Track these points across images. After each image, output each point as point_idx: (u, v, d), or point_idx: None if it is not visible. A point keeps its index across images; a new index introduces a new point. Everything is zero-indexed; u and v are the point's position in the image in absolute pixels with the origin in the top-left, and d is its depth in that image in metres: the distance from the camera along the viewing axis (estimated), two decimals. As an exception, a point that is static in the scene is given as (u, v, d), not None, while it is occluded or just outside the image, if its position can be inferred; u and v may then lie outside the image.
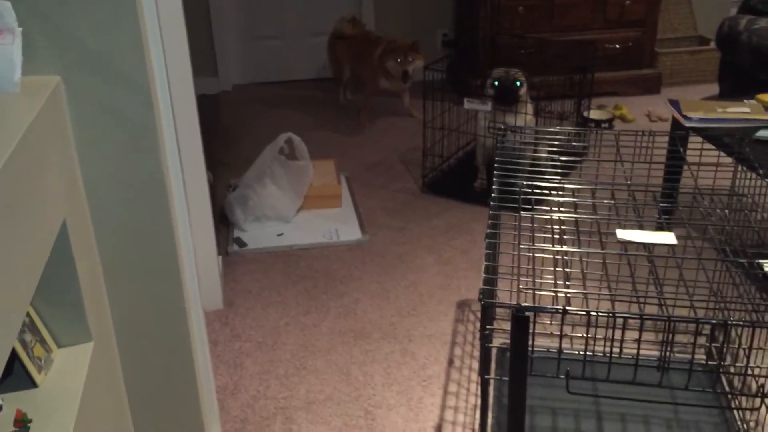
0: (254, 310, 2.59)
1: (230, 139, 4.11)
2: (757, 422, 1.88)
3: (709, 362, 2.05)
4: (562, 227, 1.71)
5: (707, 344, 2.14)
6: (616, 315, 1.36)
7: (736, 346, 1.81)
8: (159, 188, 1.44)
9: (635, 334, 1.52)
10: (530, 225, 1.71)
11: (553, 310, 1.39)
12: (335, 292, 2.69)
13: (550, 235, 1.69)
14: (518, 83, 3.21)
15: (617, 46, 4.52)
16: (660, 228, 1.71)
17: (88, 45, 1.30)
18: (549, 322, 2.31)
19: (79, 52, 1.30)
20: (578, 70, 3.55)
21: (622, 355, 1.45)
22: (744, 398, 1.87)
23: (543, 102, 3.61)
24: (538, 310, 1.40)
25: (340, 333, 2.45)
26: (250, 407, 2.13)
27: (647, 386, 1.45)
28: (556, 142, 2.18)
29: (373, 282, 2.74)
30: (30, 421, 1.17)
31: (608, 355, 1.43)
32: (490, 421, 1.91)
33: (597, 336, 1.64)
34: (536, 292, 1.52)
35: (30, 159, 1.11)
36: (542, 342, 2.19)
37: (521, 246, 1.59)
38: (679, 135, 2.24)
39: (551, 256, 1.60)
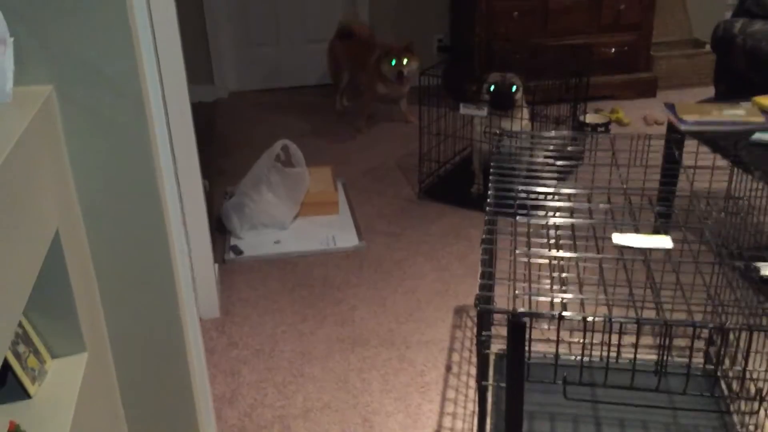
0: (251, 318, 2.58)
1: (226, 147, 4.10)
2: (756, 426, 1.88)
3: (707, 366, 2.04)
4: (559, 232, 1.70)
5: (705, 348, 2.13)
6: (613, 320, 1.36)
7: (734, 349, 1.81)
8: (153, 197, 1.43)
9: (633, 339, 1.51)
10: (526, 230, 1.71)
11: (550, 316, 1.38)
12: (332, 299, 2.68)
13: (547, 240, 1.68)
14: (514, 88, 3.21)
15: (613, 50, 4.52)
16: (656, 232, 1.70)
17: (80, 54, 1.29)
18: (546, 327, 2.30)
19: (72, 61, 1.29)
20: (574, 74, 3.56)
21: (620, 360, 1.44)
22: (742, 402, 1.87)
23: (539, 106, 3.61)
24: (534, 316, 1.39)
25: (337, 340, 2.45)
26: (248, 416, 2.12)
27: (645, 391, 1.44)
28: (552, 147, 2.17)
29: (371, 288, 2.73)
30: (23, 432, 1.16)
31: (605, 360, 1.42)
32: (488, 427, 1.90)
33: (594, 341, 1.63)
34: (533, 298, 1.51)
35: (22, 168, 1.11)
36: (539, 347, 2.19)
37: (517, 251, 1.59)
38: (674, 138, 2.24)
39: (548, 261, 1.60)
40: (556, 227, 1.71)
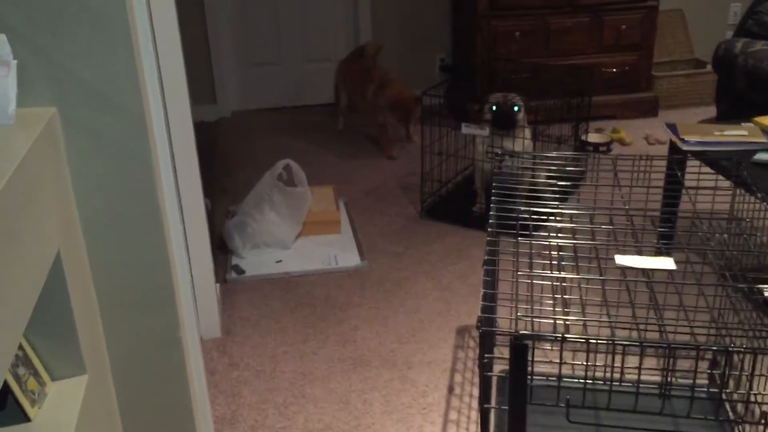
0: (252, 338, 2.57)
1: (229, 166, 4.11)
2: (761, 449, 1.86)
3: (711, 389, 2.03)
4: (561, 253, 1.70)
5: (709, 370, 2.12)
6: (616, 342, 1.35)
7: (738, 372, 1.79)
8: (154, 218, 1.43)
9: (636, 360, 1.51)
10: (528, 251, 1.70)
11: (553, 338, 1.38)
12: (334, 319, 2.67)
13: (549, 261, 1.68)
14: (516, 108, 3.21)
15: (614, 69, 4.54)
16: (659, 253, 1.70)
17: (83, 76, 1.30)
18: (549, 347, 2.29)
19: (74, 83, 1.30)
20: (575, 94, 3.57)
21: (623, 383, 1.43)
22: (747, 426, 1.85)
23: (541, 126, 3.62)
24: (537, 338, 1.38)
25: (339, 360, 2.43)
26: (248, 437, 2.10)
27: (649, 414, 1.43)
28: (553, 167, 2.17)
29: (372, 308, 2.73)
30: (22, 456, 1.15)
31: (609, 382, 1.41)
32: (490, 449, 1.88)
33: (597, 363, 1.62)
34: (535, 319, 1.51)
35: (24, 190, 1.11)
36: (542, 369, 2.17)
37: (519, 272, 1.58)
38: (676, 159, 2.24)
39: (550, 283, 1.59)
40: (559, 248, 1.71)
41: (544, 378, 2.04)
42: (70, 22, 1.26)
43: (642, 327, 1.56)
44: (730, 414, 1.93)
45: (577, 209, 1.89)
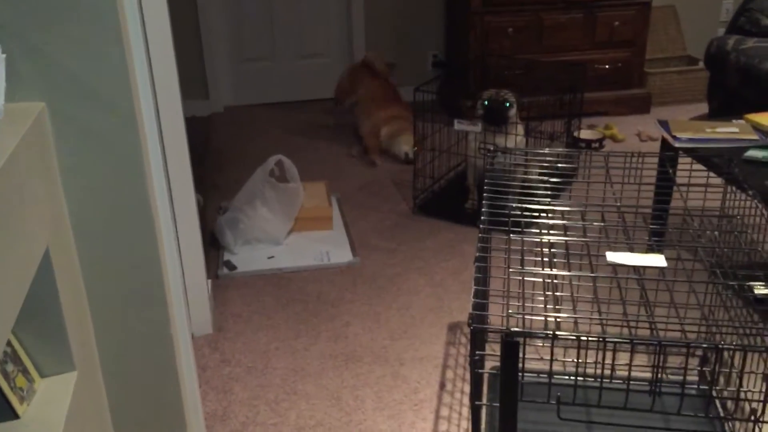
0: (244, 335, 2.56)
1: (221, 162, 4.10)
2: (751, 445, 1.87)
3: (701, 386, 2.03)
4: (552, 250, 1.70)
5: (700, 367, 2.12)
6: (607, 339, 1.35)
7: (729, 369, 1.80)
8: (145, 214, 1.42)
9: (627, 357, 1.51)
10: (520, 248, 1.70)
11: (544, 335, 1.38)
12: (326, 315, 2.67)
13: (540, 258, 1.68)
14: (508, 104, 3.21)
15: (607, 66, 4.54)
16: (650, 250, 1.70)
17: (73, 71, 1.29)
18: (540, 344, 2.29)
19: (64, 77, 1.29)
20: (568, 90, 3.57)
21: (614, 380, 1.43)
22: (737, 423, 1.86)
23: (533, 122, 3.62)
24: (528, 335, 1.39)
25: (331, 357, 2.43)
26: (240, 434, 2.10)
27: (639, 411, 1.43)
28: (545, 164, 2.17)
29: (365, 305, 2.72)
30: (10, 453, 1.15)
31: (599, 379, 1.41)
32: (482, 446, 1.89)
33: (588, 360, 1.63)
34: (526, 317, 1.51)
35: (12, 186, 1.10)
36: (533, 365, 2.18)
37: (511, 269, 1.58)
38: (668, 156, 2.24)
39: (541, 280, 1.59)
40: (550, 245, 1.71)
41: (535, 375, 2.05)
42: (59, 17, 1.25)
43: (633, 324, 1.56)
44: (720, 411, 1.94)
45: (569, 206, 1.89)
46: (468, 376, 2.32)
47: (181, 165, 2.35)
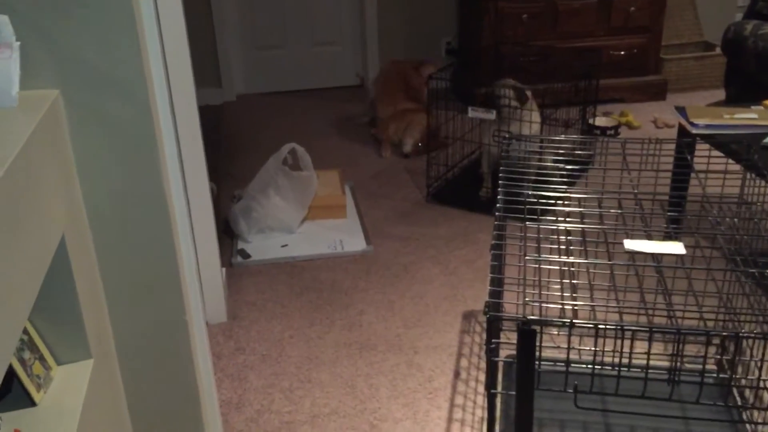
0: (258, 323, 2.57)
1: (234, 150, 4.10)
2: (769, 434, 1.85)
3: (720, 374, 2.01)
4: (569, 237, 1.68)
5: (718, 356, 2.11)
6: (625, 327, 1.34)
7: (748, 358, 1.78)
8: (159, 201, 1.42)
9: (644, 345, 1.49)
10: (536, 235, 1.69)
11: (561, 323, 1.36)
12: (340, 303, 2.66)
13: (557, 246, 1.66)
14: (503, 91, 3.18)
15: (622, 52, 4.50)
16: (668, 237, 1.68)
17: (87, 58, 1.28)
18: (556, 332, 2.28)
19: (78, 65, 1.28)
20: (583, 77, 3.53)
21: (632, 368, 1.42)
22: (756, 412, 1.84)
23: (548, 109, 3.59)
24: (545, 324, 1.37)
25: (345, 345, 2.43)
26: (254, 422, 2.10)
27: (657, 399, 1.42)
28: (561, 151, 2.15)
29: (378, 293, 2.72)
30: (28, 440, 1.15)
31: (617, 368, 1.40)
32: (497, 434, 1.88)
33: (605, 348, 1.61)
34: (543, 304, 1.49)
35: (28, 173, 1.10)
36: (549, 354, 2.16)
37: (527, 257, 1.57)
38: (686, 142, 2.21)
39: (558, 267, 1.58)
40: (567, 232, 1.69)
41: (552, 363, 2.04)
42: (73, 4, 1.25)
43: (650, 312, 1.54)
44: (738, 400, 1.92)
45: (586, 193, 1.87)
46: (482, 364, 2.31)
47: (195, 153, 2.34)
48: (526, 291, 1.50)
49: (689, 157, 2.06)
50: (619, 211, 1.77)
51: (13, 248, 1.02)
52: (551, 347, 2.01)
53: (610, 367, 1.42)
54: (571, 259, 1.57)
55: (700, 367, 1.39)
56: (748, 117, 2.63)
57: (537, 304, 1.51)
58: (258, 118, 4.59)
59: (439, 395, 2.18)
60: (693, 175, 1.97)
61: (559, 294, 1.51)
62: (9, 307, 0.99)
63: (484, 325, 2.50)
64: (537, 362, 1.40)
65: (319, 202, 3.24)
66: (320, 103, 4.79)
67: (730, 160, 2.18)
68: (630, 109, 4.36)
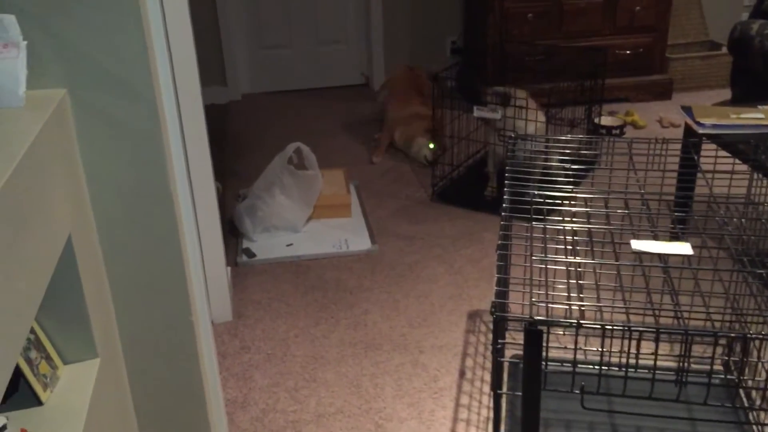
0: (263, 322, 2.57)
1: (239, 149, 4.10)
2: (776, 435, 1.84)
3: (728, 375, 2.01)
4: (575, 237, 1.68)
5: (725, 357, 2.10)
6: (632, 328, 1.33)
7: (757, 359, 1.77)
8: (166, 200, 1.42)
9: (651, 346, 1.49)
10: (542, 235, 1.68)
11: (567, 324, 1.36)
12: (345, 302, 2.66)
13: (563, 246, 1.66)
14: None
15: (628, 51, 4.49)
16: (675, 237, 1.67)
17: (94, 58, 1.28)
18: (562, 332, 2.27)
19: (85, 65, 1.28)
20: (589, 76, 3.53)
21: (638, 369, 1.42)
22: (763, 413, 1.83)
23: (554, 109, 3.58)
24: (551, 324, 1.37)
25: (350, 344, 2.43)
26: (260, 421, 2.10)
27: (664, 401, 1.41)
28: (567, 151, 2.15)
29: (383, 292, 2.72)
30: (35, 440, 1.15)
31: (624, 368, 1.39)
32: (502, 434, 1.88)
33: (612, 349, 1.61)
34: (549, 305, 1.49)
35: (35, 173, 1.10)
36: (555, 354, 2.16)
37: (533, 257, 1.56)
38: (692, 142, 2.21)
39: (564, 268, 1.57)
40: (573, 232, 1.69)
41: (558, 363, 2.03)
42: (80, 3, 1.25)
43: (657, 313, 1.54)
44: (745, 401, 1.92)
45: (591, 193, 1.86)
46: (488, 364, 2.31)
47: (200, 152, 2.34)
48: (533, 291, 1.49)
49: (696, 157, 2.06)
50: (626, 212, 1.77)
51: (20, 248, 1.02)
52: (557, 347, 2.01)
53: (616, 368, 1.41)
54: (578, 260, 1.56)
55: (707, 367, 1.39)
56: (755, 117, 2.62)
57: (543, 304, 1.50)
58: (263, 117, 4.59)
59: (445, 395, 2.18)
60: (700, 175, 1.97)
61: (566, 294, 1.51)
62: (16, 307, 0.99)
63: (490, 324, 2.50)
64: (543, 363, 1.40)
65: (324, 201, 3.24)
66: (325, 103, 4.79)
67: (737, 160, 2.17)
68: (635, 109, 4.35)
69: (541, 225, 1.71)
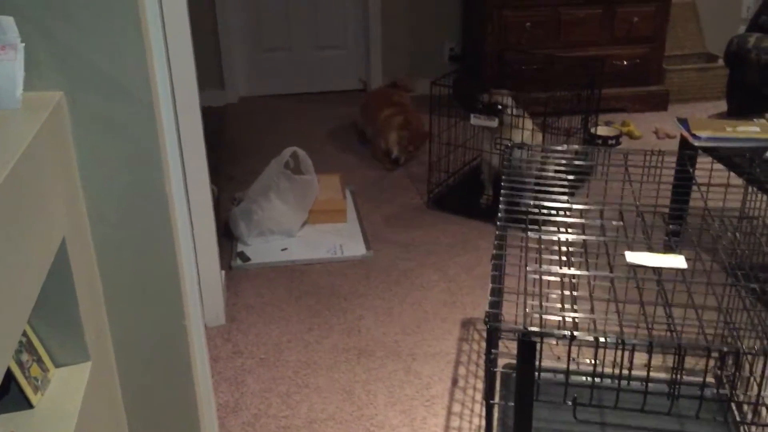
0: (256, 326, 2.56)
1: (235, 152, 4.10)
2: (767, 449, 1.85)
3: (720, 390, 2.01)
4: (570, 248, 1.68)
5: (719, 371, 2.10)
6: (626, 342, 1.33)
7: (749, 373, 1.78)
8: (161, 204, 1.42)
9: (644, 357, 1.49)
10: (537, 245, 1.68)
11: (561, 336, 1.36)
12: (339, 308, 2.66)
13: (557, 257, 1.66)
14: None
15: (625, 62, 4.50)
16: (669, 250, 1.68)
17: (91, 60, 1.28)
18: (555, 343, 2.27)
19: (82, 67, 1.28)
20: (585, 86, 3.53)
21: (631, 381, 1.42)
22: (754, 428, 1.84)
23: (550, 118, 3.59)
24: (545, 336, 1.37)
25: (343, 350, 2.43)
26: (251, 426, 2.10)
27: (657, 413, 1.41)
28: (563, 161, 2.15)
29: (377, 298, 2.71)
30: (25, 443, 1.15)
31: (616, 380, 1.40)
32: (494, 444, 1.87)
33: (605, 360, 1.61)
34: (543, 316, 1.49)
35: (30, 175, 1.10)
36: (548, 363, 2.16)
37: (528, 268, 1.56)
38: (688, 154, 2.21)
39: (558, 278, 1.57)
40: (568, 243, 1.69)
41: (551, 373, 2.03)
42: (78, 5, 1.25)
43: (650, 326, 1.54)
44: (737, 416, 1.92)
45: (586, 204, 1.87)
46: (480, 372, 2.31)
47: (196, 155, 2.34)
48: (527, 302, 1.49)
49: (691, 170, 2.06)
50: (621, 223, 1.77)
51: (14, 250, 1.02)
52: (550, 357, 2.01)
53: (609, 380, 1.41)
54: (572, 271, 1.57)
55: (699, 380, 1.39)
56: (750, 130, 2.63)
57: (537, 315, 1.50)
58: (260, 120, 4.58)
59: (437, 403, 2.18)
60: (695, 187, 1.97)
61: (560, 305, 1.51)
62: (8, 310, 0.99)
63: (483, 332, 2.50)
64: (536, 373, 1.40)
65: (319, 206, 3.23)
66: (323, 107, 4.79)
67: (732, 174, 2.18)
68: (631, 119, 4.37)
69: (536, 235, 1.71)
